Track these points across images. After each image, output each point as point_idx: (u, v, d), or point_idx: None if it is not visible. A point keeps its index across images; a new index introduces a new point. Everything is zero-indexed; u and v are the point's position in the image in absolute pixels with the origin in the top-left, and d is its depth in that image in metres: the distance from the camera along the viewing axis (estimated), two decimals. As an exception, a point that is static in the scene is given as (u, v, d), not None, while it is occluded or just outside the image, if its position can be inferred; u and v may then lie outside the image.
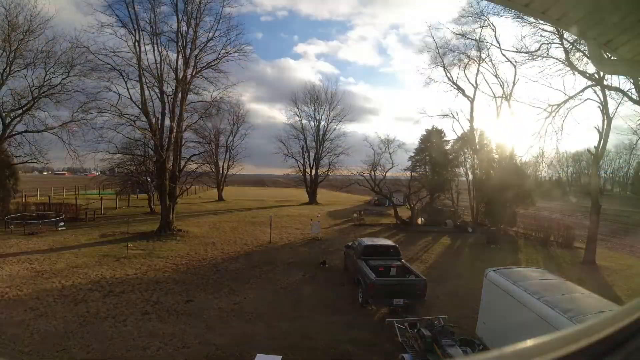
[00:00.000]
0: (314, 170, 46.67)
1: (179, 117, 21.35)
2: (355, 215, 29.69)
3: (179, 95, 21.17)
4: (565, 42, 16.71)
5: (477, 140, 26.45)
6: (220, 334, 8.76)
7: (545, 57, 18.17)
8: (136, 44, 20.00)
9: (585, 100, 18.15)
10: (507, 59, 20.39)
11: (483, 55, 21.90)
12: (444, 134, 32.07)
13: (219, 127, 38.58)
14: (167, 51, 21.03)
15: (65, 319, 9.20)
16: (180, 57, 21.12)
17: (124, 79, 20.21)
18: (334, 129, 46.30)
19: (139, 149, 24.48)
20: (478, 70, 22.66)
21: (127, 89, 20.35)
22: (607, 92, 17.18)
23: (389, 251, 12.50)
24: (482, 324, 8.46)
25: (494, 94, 22.24)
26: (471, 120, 24.47)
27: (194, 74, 21.66)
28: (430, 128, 31.70)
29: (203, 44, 21.66)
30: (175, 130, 21.35)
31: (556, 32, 16.46)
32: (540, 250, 20.03)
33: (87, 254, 15.76)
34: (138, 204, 33.12)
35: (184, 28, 20.98)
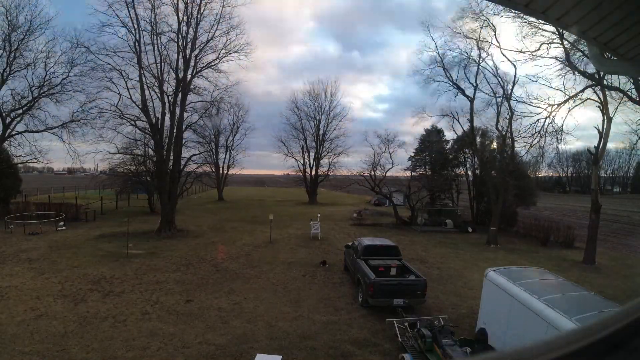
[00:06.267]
0: (314, 170, 46.72)
1: (179, 117, 21.35)
2: (355, 215, 29.72)
3: (179, 95, 21.18)
4: (565, 42, 16.69)
5: (477, 140, 26.39)
6: (220, 334, 8.76)
7: (545, 57, 18.14)
8: (136, 43, 20.03)
9: (585, 100, 18.13)
10: (507, 58, 20.48)
11: (483, 55, 21.81)
12: (444, 134, 32.12)
13: (219, 127, 38.67)
14: (167, 51, 21.07)
15: (65, 319, 9.21)
16: (180, 57, 21.14)
17: (124, 79, 20.27)
18: (334, 129, 46.45)
19: (139, 149, 24.52)
20: (478, 70, 22.59)
21: (128, 89, 20.42)
22: (607, 92, 17.16)
23: (389, 251, 12.50)
24: (482, 324, 8.46)
25: (494, 93, 22.17)
26: (471, 120, 24.40)
27: (194, 74, 21.67)
28: (429, 128, 31.72)
29: (203, 44, 21.69)
30: (175, 130, 21.36)
31: (556, 32, 16.44)
32: (540, 250, 20.03)
33: (87, 253, 15.77)
34: (138, 204, 33.13)
35: (184, 28, 21.00)
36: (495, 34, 20.36)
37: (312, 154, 46.91)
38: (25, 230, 19.95)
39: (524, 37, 18.18)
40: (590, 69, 16.43)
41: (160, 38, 20.66)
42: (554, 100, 18.65)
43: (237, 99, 40.48)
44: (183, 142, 22.48)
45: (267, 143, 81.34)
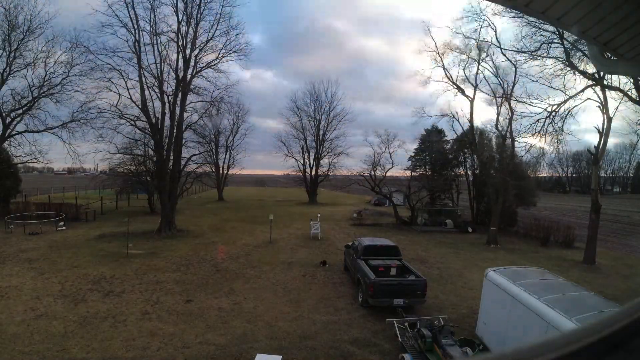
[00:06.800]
0: (314, 170, 46.71)
1: (179, 117, 21.35)
2: (355, 215, 29.72)
3: (179, 95, 21.18)
4: (565, 42, 16.69)
5: (477, 140, 26.42)
6: (220, 334, 8.76)
7: (546, 56, 18.15)
8: (136, 44, 20.02)
9: (585, 100, 18.14)
10: (507, 58, 20.31)
11: (483, 55, 21.82)
12: (444, 134, 32.10)
13: (219, 127, 38.72)
14: (167, 51, 21.06)
15: (65, 319, 9.21)
16: (180, 57, 21.14)
17: (124, 79, 20.27)
18: (334, 129, 46.45)
19: (139, 149, 24.51)
20: (478, 69, 22.60)
21: (127, 89, 20.42)
22: (607, 92, 17.17)
23: (389, 251, 12.50)
24: (482, 324, 8.46)
25: (494, 93, 22.18)
26: (471, 120, 24.43)
27: (194, 74, 21.66)
28: (429, 128, 31.70)
29: (203, 44, 21.68)
30: (175, 130, 21.36)
31: (556, 32, 16.45)
32: (540, 250, 20.03)
33: (87, 253, 15.77)
34: (138, 204, 33.14)
35: (184, 28, 21.00)
36: (495, 34, 20.41)
37: (312, 154, 46.97)
38: (25, 230, 19.95)
39: (524, 37, 18.21)
40: (590, 69, 16.46)
41: (159, 38, 20.68)
42: (554, 100, 18.67)
43: (237, 99, 40.53)
44: (183, 142, 22.48)
45: (267, 142, 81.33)
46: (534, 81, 19.36)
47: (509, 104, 21.10)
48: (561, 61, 17.55)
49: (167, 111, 21.38)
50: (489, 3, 21.54)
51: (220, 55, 22.22)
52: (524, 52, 18.75)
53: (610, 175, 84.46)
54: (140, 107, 20.48)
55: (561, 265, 16.39)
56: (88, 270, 13.39)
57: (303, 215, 29.02)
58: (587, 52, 13.60)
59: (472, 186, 29.93)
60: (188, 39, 21.12)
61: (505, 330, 7.43)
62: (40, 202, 27.48)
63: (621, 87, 16.42)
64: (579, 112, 18.35)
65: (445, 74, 24.26)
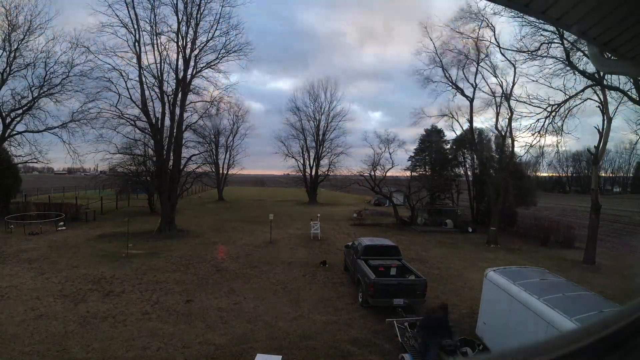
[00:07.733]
0: (314, 170, 46.71)
1: (179, 117, 21.35)
2: (355, 215, 29.72)
3: (179, 95, 21.18)
4: (565, 42, 16.68)
5: (476, 140, 26.39)
6: (220, 334, 8.76)
7: (545, 56, 18.12)
8: (136, 44, 20.05)
9: (585, 100, 18.11)
10: (506, 58, 20.28)
11: (482, 55, 21.79)
12: (444, 134, 32.10)
13: (218, 127, 38.73)
14: (167, 51, 21.07)
15: (65, 319, 9.21)
16: (180, 57, 21.14)
17: (124, 79, 20.28)
18: (334, 129, 46.45)
19: (139, 149, 24.52)
20: (477, 69, 22.55)
21: (127, 89, 20.43)
22: (607, 92, 17.15)
23: (389, 251, 12.51)
24: (482, 324, 8.46)
25: (493, 93, 22.16)
26: (470, 120, 24.40)
27: (194, 74, 21.67)
28: (429, 128, 31.68)
29: (203, 44, 21.69)
30: (175, 130, 21.36)
31: (556, 32, 16.43)
32: (540, 250, 20.03)
33: (87, 253, 15.77)
34: (138, 204, 33.14)
35: (184, 28, 21.00)
36: (494, 34, 20.36)
37: (312, 154, 46.96)
38: (25, 230, 19.95)
39: (524, 37, 18.19)
40: (590, 69, 16.43)
41: (160, 38, 20.70)
42: (554, 100, 18.64)
43: (237, 99, 40.62)
44: (183, 142, 22.49)
45: (266, 143, 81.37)
46: (533, 81, 19.33)
47: (509, 104, 21.11)
48: (561, 61, 17.53)
49: (167, 111, 21.42)
50: (489, 2, 21.54)
51: (220, 55, 22.26)
52: (523, 52, 18.74)
53: (610, 175, 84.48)
54: (140, 107, 20.50)
55: (561, 265, 16.38)
56: (88, 270, 13.39)
57: (303, 215, 29.02)
58: (587, 52, 13.59)
59: (472, 186, 29.91)
60: (188, 39, 21.16)
61: (505, 331, 7.43)
62: (40, 202, 27.46)
63: (621, 87, 16.42)
64: (578, 112, 18.18)
65: (445, 74, 24.23)
